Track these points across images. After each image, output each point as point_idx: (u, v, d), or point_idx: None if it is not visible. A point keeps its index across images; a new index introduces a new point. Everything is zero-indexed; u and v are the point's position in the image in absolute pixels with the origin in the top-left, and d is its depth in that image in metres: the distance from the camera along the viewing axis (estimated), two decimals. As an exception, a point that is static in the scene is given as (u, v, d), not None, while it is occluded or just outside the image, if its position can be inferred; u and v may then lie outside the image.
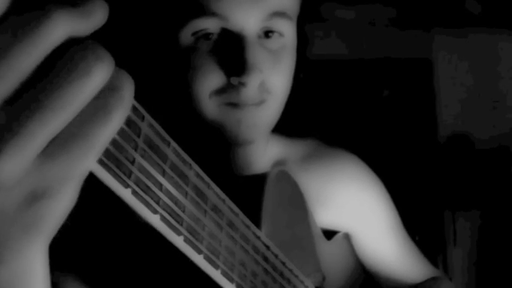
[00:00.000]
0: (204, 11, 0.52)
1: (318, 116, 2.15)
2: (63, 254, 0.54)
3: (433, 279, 0.79)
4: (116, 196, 0.29)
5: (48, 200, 0.22)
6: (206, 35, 0.54)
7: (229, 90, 0.54)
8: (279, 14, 0.55)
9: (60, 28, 0.21)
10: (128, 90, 0.24)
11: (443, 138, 2.30)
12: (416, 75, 2.30)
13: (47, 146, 0.22)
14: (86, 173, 0.24)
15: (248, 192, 0.51)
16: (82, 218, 0.55)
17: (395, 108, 2.27)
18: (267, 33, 0.56)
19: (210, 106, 0.56)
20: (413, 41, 2.29)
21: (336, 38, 2.24)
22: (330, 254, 0.69)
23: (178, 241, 0.34)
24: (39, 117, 0.20)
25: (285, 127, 0.68)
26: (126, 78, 0.24)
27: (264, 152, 0.67)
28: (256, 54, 0.53)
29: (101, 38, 0.24)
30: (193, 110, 0.57)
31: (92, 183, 0.26)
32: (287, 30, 0.57)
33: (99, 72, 0.22)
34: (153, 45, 0.60)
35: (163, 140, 0.32)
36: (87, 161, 0.22)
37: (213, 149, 0.62)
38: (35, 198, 0.22)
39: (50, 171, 0.22)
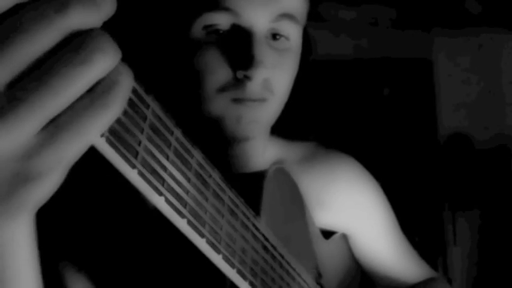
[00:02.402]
0: (218, 5, 0.53)
1: (318, 116, 2.15)
2: (67, 240, 0.55)
3: (429, 280, 0.80)
4: (121, 180, 0.30)
5: (36, 182, 0.22)
6: (216, 30, 0.55)
7: (234, 86, 0.55)
8: (288, 16, 0.56)
9: (74, 18, 0.22)
10: (125, 86, 0.25)
11: (443, 138, 2.30)
12: (416, 75, 2.30)
13: (42, 129, 0.22)
14: (75, 160, 0.24)
15: (247, 189, 0.51)
16: (85, 204, 0.56)
17: (395, 109, 2.27)
18: (275, 36, 0.57)
19: (214, 102, 0.57)
20: (413, 41, 2.29)
21: (336, 38, 2.25)
22: (327, 253, 0.70)
23: (181, 224, 0.35)
24: (39, 96, 0.21)
25: (285, 127, 0.69)
26: (126, 73, 0.25)
27: (263, 152, 0.68)
28: (263, 51, 0.55)
29: (110, 27, 0.25)
30: (195, 107, 0.58)
31: (97, 168, 0.26)
32: (293, 35, 0.59)
33: (100, 63, 0.23)
34: (163, 37, 0.61)
35: (167, 127, 0.34)
36: (78, 147, 0.23)
37: (212, 146, 0.63)
38: (23, 180, 0.22)
39: (42, 155, 0.22)
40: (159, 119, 0.32)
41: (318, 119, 2.14)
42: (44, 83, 0.21)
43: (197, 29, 0.55)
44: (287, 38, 0.58)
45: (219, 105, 0.57)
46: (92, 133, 0.23)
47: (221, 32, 0.55)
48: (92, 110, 0.23)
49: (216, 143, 0.61)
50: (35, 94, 0.21)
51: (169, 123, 0.34)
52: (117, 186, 0.55)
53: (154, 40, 0.63)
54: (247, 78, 0.54)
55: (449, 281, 2.24)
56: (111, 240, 0.56)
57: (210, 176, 0.41)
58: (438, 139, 2.30)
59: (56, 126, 0.22)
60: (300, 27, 0.60)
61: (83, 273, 0.54)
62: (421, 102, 2.30)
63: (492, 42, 2.27)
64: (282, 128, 0.69)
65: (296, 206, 0.64)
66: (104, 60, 0.23)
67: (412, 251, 0.82)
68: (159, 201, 0.33)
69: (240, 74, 0.54)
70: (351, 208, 0.74)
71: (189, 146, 0.37)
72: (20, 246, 0.27)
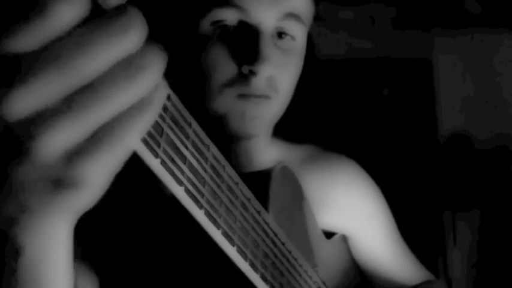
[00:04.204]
0: (227, 2, 0.55)
1: (318, 116, 2.15)
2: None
3: (426, 283, 0.81)
4: (140, 171, 0.30)
5: (77, 190, 0.23)
6: (224, 26, 0.56)
7: (239, 82, 0.56)
8: (294, 16, 0.58)
9: (133, 40, 0.23)
10: (160, 99, 0.26)
11: (443, 138, 2.30)
12: (416, 75, 2.30)
13: (90, 137, 0.23)
14: (116, 169, 0.25)
15: (253, 187, 0.51)
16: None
17: (395, 109, 2.28)
18: (280, 34, 0.59)
19: (219, 99, 0.57)
20: (413, 41, 2.30)
21: (335, 37, 2.25)
22: (327, 253, 0.71)
23: (199, 214, 0.35)
24: (90, 105, 0.22)
25: (285, 128, 0.70)
26: (162, 86, 0.26)
27: (264, 152, 0.69)
28: (269, 48, 0.56)
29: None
30: (199, 104, 0.58)
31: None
32: (298, 35, 0.60)
33: (150, 81, 0.24)
34: (171, 32, 0.61)
35: (185, 119, 0.34)
36: (117, 155, 0.24)
37: (215, 144, 0.63)
38: (64, 185, 0.23)
39: (83, 161, 0.23)
40: (178, 110, 0.33)
41: (316, 118, 2.14)
42: (96, 95, 0.22)
43: (205, 25, 0.56)
44: (292, 38, 0.59)
45: (224, 102, 0.57)
46: (129, 141, 0.24)
47: (228, 28, 0.56)
48: (129, 121, 0.24)
49: (219, 141, 0.62)
50: (90, 100, 0.22)
51: (187, 115, 0.34)
52: (136, 178, 0.56)
53: (161, 35, 0.63)
54: (252, 73, 0.55)
55: (449, 281, 2.24)
56: (125, 231, 0.56)
57: (224, 169, 0.41)
58: (438, 139, 2.30)
59: (97, 136, 0.23)
60: (306, 28, 0.62)
61: (89, 266, 0.54)
62: (421, 102, 2.30)
63: (492, 43, 2.27)
64: (282, 127, 0.70)
65: (297, 204, 0.65)
66: (154, 79, 0.24)
67: (410, 254, 0.83)
68: (179, 191, 0.33)
69: (245, 69, 0.55)
70: (351, 210, 0.75)
71: (205, 138, 0.38)
72: (58, 252, 0.27)
